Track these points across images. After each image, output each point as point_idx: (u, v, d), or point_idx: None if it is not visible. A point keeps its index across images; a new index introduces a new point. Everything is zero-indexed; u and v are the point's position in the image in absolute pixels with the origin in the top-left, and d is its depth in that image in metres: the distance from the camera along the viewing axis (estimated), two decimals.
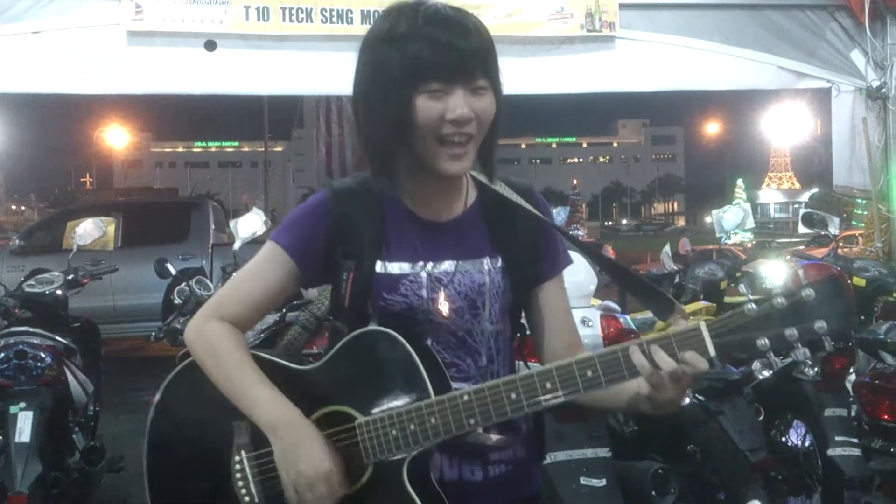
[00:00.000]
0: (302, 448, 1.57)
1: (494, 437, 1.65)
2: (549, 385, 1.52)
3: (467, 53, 1.56)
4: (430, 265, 1.67)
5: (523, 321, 1.82)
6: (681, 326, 1.52)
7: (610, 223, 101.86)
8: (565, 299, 1.82)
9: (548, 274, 1.78)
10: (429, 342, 1.65)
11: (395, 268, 1.66)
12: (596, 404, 1.72)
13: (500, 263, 1.71)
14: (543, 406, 1.54)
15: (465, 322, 1.69)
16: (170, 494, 1.76)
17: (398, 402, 1.57)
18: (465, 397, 1.54)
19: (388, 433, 1.56)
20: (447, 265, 1.68)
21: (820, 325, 1.43)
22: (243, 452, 1.66)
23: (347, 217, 1.69)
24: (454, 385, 1.61)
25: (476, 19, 1.62)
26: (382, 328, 1.61)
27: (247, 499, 1.64)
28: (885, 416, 3.87)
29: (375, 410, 1.58)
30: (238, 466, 1.66)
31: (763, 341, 1.45)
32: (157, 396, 1.77)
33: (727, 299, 5.37)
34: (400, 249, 1.67)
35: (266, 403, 1.61)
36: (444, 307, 1.66)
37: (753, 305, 1.46)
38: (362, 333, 1.63)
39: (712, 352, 1.48)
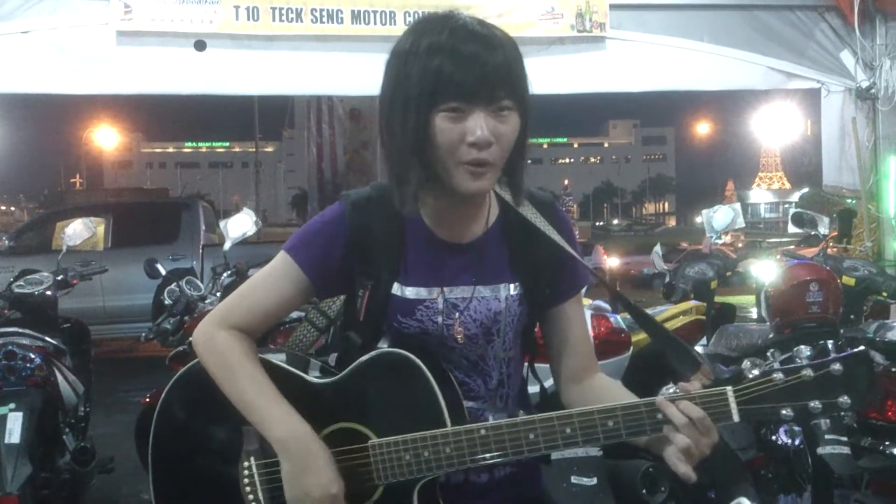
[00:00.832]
0: (311, 468, 1.55)
1: None
2: (568, 431, 1.52)
3: (490, 69, 1.49)
4: (446, 290, 1.64)
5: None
6: (706, 389, 1.50)
7: (601, 223, 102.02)
8: (583, 318, 1.80)
9: (566, 295, 1.76)
10: (440, 361, 1.63)
11: (412, 292, 1.64)
12: None
13: (517, 290, 1.68)
14: (561, 450, 1.53)
15: (479, 347, 1.67)
16: (175, 497, 1.75)
17: (413, 427, 1.56)
18: (483, 432, 1.53)
19: (401, 457, 1.55)
20: (464, 290, 1.65)
21: (844, 400, 1.45)
22: (252, 459, 1.64)
23: (365, 232, 1.65)
24: (465, 404, 1.61)
25: (505, 35, 1.56)
26: (404, 352, 1.58)
27: None
28: (874, 415, 3.88)
29: (390, 432, 1.57)
30: (247, 472, 1.64)
31: (787, 411, 1.46)
32: (161, 398, 1.75)
33: (718, 299, 5.38)
34: (417, 273, 1.65)
35: (278, 420, 1.58)
36: (458, 333, 1.64)
37: (781, 375, 1.46)
38: (382, 354, 1.61)
39: (736, 417, 1.47)
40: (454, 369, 1.65)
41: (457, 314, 1.64)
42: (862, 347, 1.54)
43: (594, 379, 1.77)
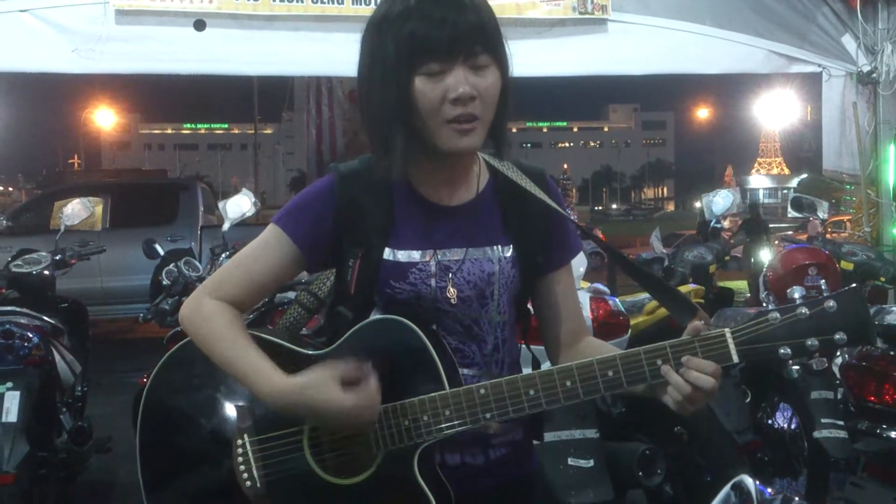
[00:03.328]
0: (318, 408, 1.52)
1: (496, 425, 1.61)
2: (568, 384, 1.52)
3: (463, 28, 1.51)
4: (439, 253, 1.64)
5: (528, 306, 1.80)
6: (705, 332, 1.51)
7: (600, 208, 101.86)
8: (573, 287, 1.80)
9: (558, 262, 1.76)
10: (434, 328, 1.62)
11: (404, 255, 1.63)
12: None
13: (510, 252, 1.68)
14: (563, 404, 1.52)
15: (473, 311, 1.66)
16: (164, 475, 1.74)
17: (411, 393, 1.55)
18: (482, 391, 1.53)
19: (399, 423, 1.55)
20: (456, 253, 1.65)
21: (840, 336, 1.46)
22: (246, 436, 1.63)
23: (354, 202, 1.65)
24: (460, 371, 1.60)
25: None
26: (398, 317, 1.57)
27: (248, 483, 1.62)
28: (872, 398, 3.89)
29: (387, 399, 1.55)
30: (240, 450, 1.63)
31: (785, 350, 1.48)
32: (152, 376, 1.74)
33: (718, 283, 5.38)
34: (409, 236, 1.64)
35: (267, 383, 1.57)
36: (452, 296, 1.64)
37: (777, 315, 1.48)
38: (375, 321, 1.61)
39: (736, 358, 1.49)
40: (448, 336, 1.64)
41: (450, 276, 1.64)
42: (854, 285, 1.56)
43: (587, 340, 1.79)
